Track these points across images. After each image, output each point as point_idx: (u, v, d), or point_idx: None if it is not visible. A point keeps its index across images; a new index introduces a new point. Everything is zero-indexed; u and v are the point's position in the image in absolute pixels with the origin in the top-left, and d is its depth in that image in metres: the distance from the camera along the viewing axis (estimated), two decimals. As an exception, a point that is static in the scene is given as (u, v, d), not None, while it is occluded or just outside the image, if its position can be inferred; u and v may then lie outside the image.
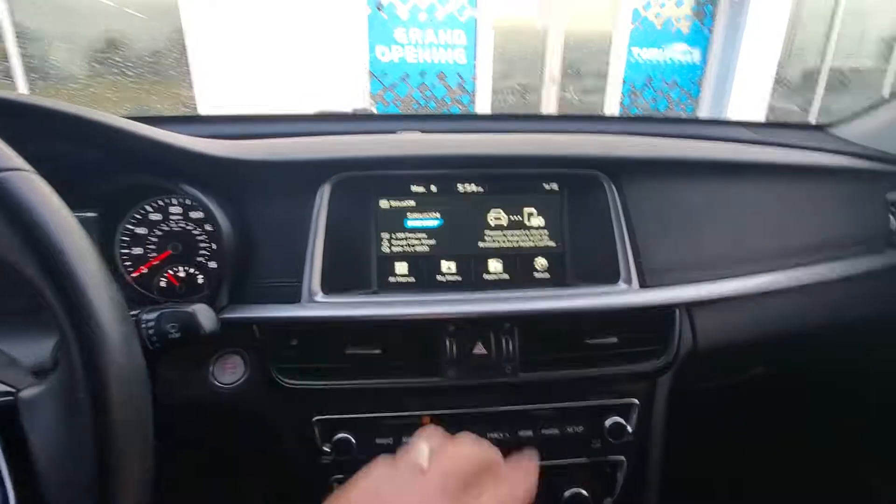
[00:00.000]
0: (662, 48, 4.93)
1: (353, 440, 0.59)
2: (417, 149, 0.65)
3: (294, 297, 0.60)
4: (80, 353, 0.28)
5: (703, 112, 5.19)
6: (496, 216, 0.66)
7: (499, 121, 0.95)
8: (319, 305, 0.59)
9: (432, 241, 0.65)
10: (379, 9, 4.15)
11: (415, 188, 0.65)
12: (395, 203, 0.65)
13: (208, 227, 0.60)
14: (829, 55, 5.33)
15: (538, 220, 0.66)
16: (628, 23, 4.78)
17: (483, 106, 4.90)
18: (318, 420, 0.60)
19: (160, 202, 0.60)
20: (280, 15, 3.56)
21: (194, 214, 0.61)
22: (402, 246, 0.64)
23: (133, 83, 3.63)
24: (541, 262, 0.65)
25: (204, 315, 0.46)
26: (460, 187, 0.66)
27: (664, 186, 0.66)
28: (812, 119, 5.40)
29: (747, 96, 4.93)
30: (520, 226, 0.66)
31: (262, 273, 0.60)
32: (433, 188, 0.65)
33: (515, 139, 0.67)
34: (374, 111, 1.44)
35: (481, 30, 4.59)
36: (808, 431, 0.99)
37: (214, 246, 0.60)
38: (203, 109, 3.53)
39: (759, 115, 5.00)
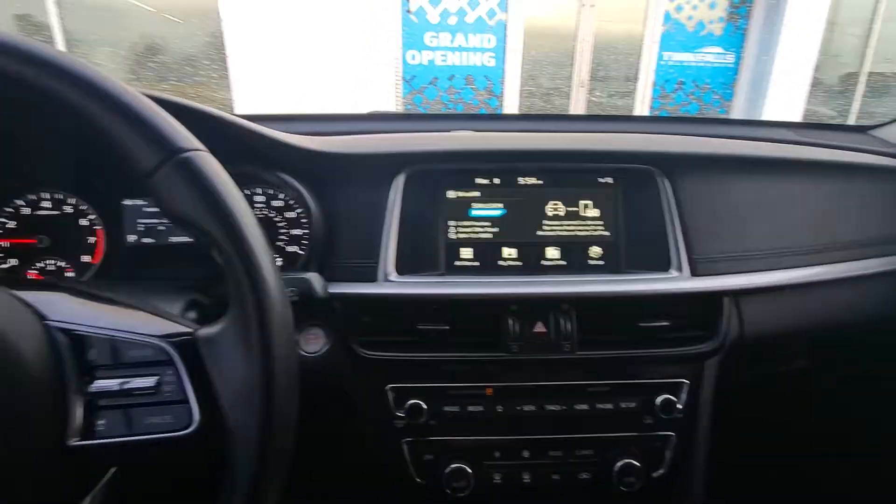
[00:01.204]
0: (694, 51, 4.88)
1: (424, 406, 0.65)
2: (482, 144, 0.71)
3: (371, 277, 0.66)
4: (253, 301, 0.35)
5: (737, 114, 5.10)
6: (554, 207, 0.71)
7: (545, 121, 1.00)
8: (393, 284, 0.66)
9: (495, 229, 0.70)
10: (409, 11, 4.23)
11: (479, 180, 0.71)
12: (461, 193, 0.71)
13: (289, 214, 0.67)
14: (868, 59, 5.19)
15: (593, 212, 0.71)
16: (659, 25, 4.75)
17: (510, 109, 4.94)
18: (391, 388, 0.67)
19: (259, 190, 0.67)
20: (315, 19, 3.67)
21: (275, 203, 0.68)
22: (467, 232, 0.70)
23: (171, 86, 3.79)
24: (595, 250, 0.70)
25: (317, 282, 0.53)
26: (521, 180, 0.71)
27: (714, 182, 0.71)
28: (850, 122, 5.26)
29: (783, 100, 4.83)
30: (576, 216, 0.71)
31: (343, 254, 0.67)
32: (496, 180, 0.71)
33: (571, 136, 0.73)
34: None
35: (510, 33, 4.63)
36: (850, 426, 1.01)
37: (298, 231, 0.67)
38: (240, 111, 3.67)
39: (796, 119, 4.90)
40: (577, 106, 4.96)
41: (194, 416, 0.35)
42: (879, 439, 0.98)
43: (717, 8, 4.82)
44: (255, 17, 3.59)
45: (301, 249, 0.67)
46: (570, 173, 0.71)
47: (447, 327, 0.66)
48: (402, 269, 0.67)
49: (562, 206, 0.71)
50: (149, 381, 0.35)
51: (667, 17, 4.78)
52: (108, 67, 3.71)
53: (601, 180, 0.72)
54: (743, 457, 0.91)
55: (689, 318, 0.69)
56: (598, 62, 4.90)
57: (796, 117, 4.92)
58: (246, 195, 0.67)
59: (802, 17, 4.64)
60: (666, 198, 0.69)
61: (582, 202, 0.71)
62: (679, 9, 4.77)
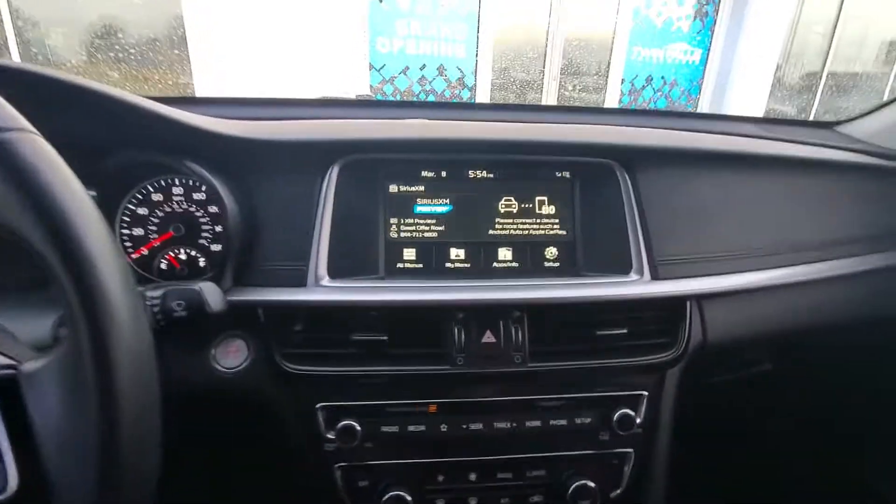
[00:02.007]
0: (663, 47, 4.92)
1: (358, 427, 0.58)
2: (428, 133, 0.64)
3: (300, 281, 0.58)
4: (87, 326, 0.27)
5: (703, 110, 5.19)
6: (507, 203, 0.65)
7: (505, 111, 0.93)
8: (325, 290, 0.58)
9: (441, 228, 0.63)
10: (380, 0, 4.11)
11: (425, 173, 0.64)
12: (404, 188, 0.63)
13: (212, 209, 0.59)
14: (829, 59, 5.35)
15: (549, 209, 0.65)
16: (629, 21, 4.77)
17: (483, 100, 4.88)
18: (321, 407, 0.59)
19: (162, 182, 0.58)
20: (280, 3, 3.51)
21: (197, 195, 0.59)
22: (410, 231, 0.63)
23: (130, 69, 3.57)
24: (551, 251, 0.64)
25: (211, 293, 0.45)
26: (471, 173, 0.65)
27: (677, 177, 0.66)
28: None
29: (746, 98, 4.95)
30: (530, 214, 0.65)
31: (268, 256, 0.59)
32: (443, 174, 0.64)
33: (527, 127, 0.66)
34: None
35: (483, 24, 4.56)
36: (814, 429, 0.99)
37: (219, 227, 0.58)
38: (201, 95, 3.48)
39: (757, 115, 5.00)
40: (550, 99, 4.95)
41: (10, 476, 0.27)
42: (842, 442, 0.96)
43: (686, 4, 4.87)
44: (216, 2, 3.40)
45: (205, 255, 0.59)
46: (524, 167, 0.65)
47: (385, 338, 0.59)
48: (335, 273, 0.59)
49: (515, 203, 0.65)
50: (-49, 433, 0.27)
51: (636, 12, 4.80)
52: (63, 48, 3.46)
53: (558, 175, 0.66)
54: (704, 469, 0.88)
55: (649, 324, 0.63)
56: (570, 56, 4.89)
57: (758, 114, 5.03)
58: (161, 186, 0.58)
59: (767, 17, 4.74)
60: (626, 195, 0.64)
61: (537, 198, 0.65)
62: (648, 4, 4.80)
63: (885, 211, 0.78)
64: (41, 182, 0.27)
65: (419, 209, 0.63)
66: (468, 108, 1.12)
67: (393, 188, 0.63)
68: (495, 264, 0.64)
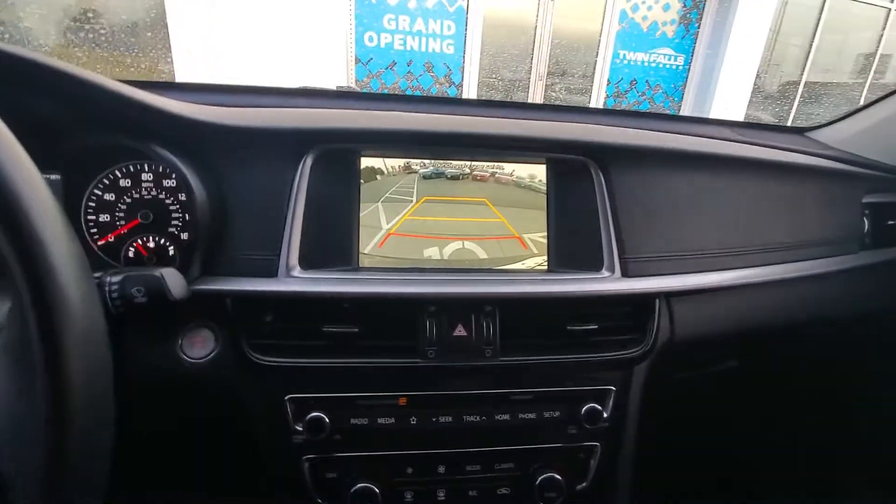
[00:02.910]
0: (648, 51, 4.99)
1: (327, 420, 0.58)
2: (403, 124, 0.64)
3: (270, 271, 0.57)
4: (34, 310, 0.26)
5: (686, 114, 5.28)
6: (480, 197, 0.65)
7: (484, 107, 0.93)
8: (296, 280, 0.57)
9: (414, 221, 0.63)
10: (367, -8, 4.08)
11: (399, 165, 0.63)
12: (377, 179, 0.63)
13: (182, 196, 0.58)
14: (807, 68, 5.49)
15: (522, 204, 0.65)
16: (615, 24, 4.82)
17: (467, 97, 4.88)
18: (290, 398, 0.59)
19: (131, 167, 0.57)
20: (265, -8, 3.46)
21: (167, 182, 0.58)
22: (382, 224, 0.63)
23: (107, 54, 3.47)
24: (524, 246, 0.65)
25: (172, 280, 0.44)
26: (443, 167, 0.64)
27: (651, 176, 0.66)
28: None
29: (727, 104, 5.05)
30: (504, 208, 0.65)
31: (238, 245, 0.58)
32: (417, 166, 0.64)
33: (503, 122, 0.66)
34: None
35: (471, 21, 4.56)
36: (778, 425, 1.02)
37: (188, 215, 0.57)
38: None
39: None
40: (536, 99, 4.98)
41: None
42: (807, 438, 0.99)
43: (671, 10, 4.94)
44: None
45: (174, 243, 0.58)
46: (498, 161, 0.65)
47: (356, 330, 0.58)
48: (306, 264, 0.59)
49: (489, 197, 0.65)
50: None
51: (623, 15, 4.85)
52: (39, 31, 3.35)
53: (532, 171, 0.66)
54: (669, 463, 0.90)
55: (619, 320, 0.64)
56: (557, 57, 4.93)
57: (738, 119, 5.12)
58: (130, 171, 0.57)
59: (749, 25, 4.84)
60: (599, 192, 0.65)
61: (511, 193, 0.65)
62: (635, 8, 4.85)
63: (849, 215, 0.81)
64: None
65: (391, 201, 0.63)
66: (446, 103, 1.12)
67: (366, 179, 0.63)
68: (468, 258, 0.64)
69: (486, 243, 0.64)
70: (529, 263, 0.65)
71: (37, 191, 0.27)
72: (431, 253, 0.64)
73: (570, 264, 0.64)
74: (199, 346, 0.57)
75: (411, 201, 0.64)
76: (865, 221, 0.82)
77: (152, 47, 3.55)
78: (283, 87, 0.91)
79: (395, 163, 0.64)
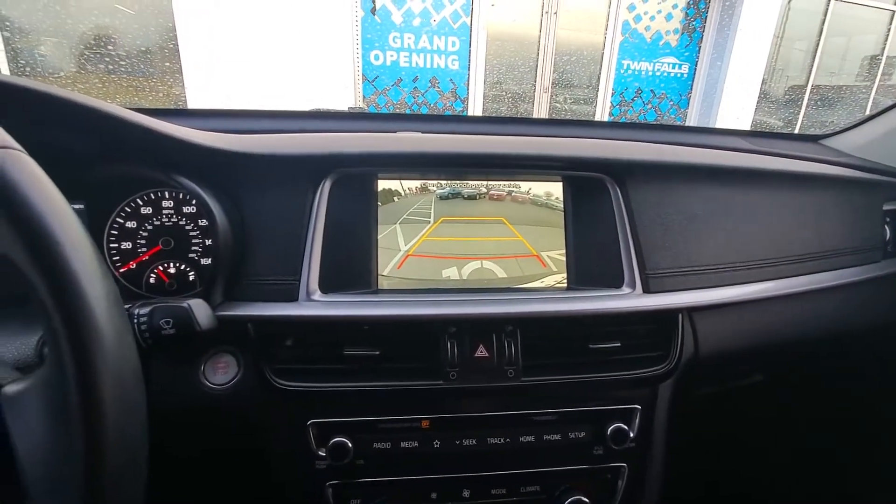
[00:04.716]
0: (652, 61, 5.01)
1: (350, 444, 0.57)
2: (420, 147, 0.64)
3: (291, 296, 0.58)
4: (70, 348, 0.26)
5: (692, 122, 5.28)
6: (499, 216, 0.65)
7: (497, 124, 0.94)
8: (317, 304, 0.57)
9: (434, 242, 0.63)
10: (373, 12, 4.15)
11: (416, 187, 0.64)
12: (396, 202, 0.63)
13: (202, 222, 0.58)
14: (813, 72, 5.47)
15: (541, 222, 0.65)
16: (618, 35, 4.86)
17: (475, 112, 4.93)
18: (312, 423, 0.58)
19: (151, 195, 0.58)
20: (274, 15, 3.53)
21: (187, 209, 0.59)
22: (401, 246, 0.63)
23: (121, 79, 3.56)
24: (543, 264, 0.64)
25: (200, 310, 0.44)
26: (461, 187, 0.65)
27: (667, 191, 0.66)
28: (796, 132, 5.55)
29: (734, 110, 5.04)
30: (523, 226, 0.65)
31: (258, 270, 0.58)
32: (435, 188, 0.64)
33: (519, 140, 0.66)
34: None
35: (475, 37, 4.62)
36: (807, 440, 0.99)
37: (209, 241, 0.58)
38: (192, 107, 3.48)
39: (745, 128, 5.11)
40: (541, 110, 5.01)
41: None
42: (836, 453, 0.97)
43: (674, 20, 4.97)
44: (210, 10, 3.41)
45: (195, 269, 0.58)
46: (516, 180, 0.65)
47: (378, 352, 0.58)
48: (326, 287, 0.59)
49: (507, 216, 0.65)
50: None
51: (625, 26, 4.89)
52: (54, 57, 3.45)
53: (550, 188, 0.66)
54: (697, 482, 0.88)
55: (642, 338, 0.64)
56: (561, 69, 4.96)
57: (746, 127, 5.12)
58: (151, 199, 0.58)
59: (752, 32, 4.85)
60: (618, 208, 0.64)
61: (529, 211, 0.65)
62: (637, 19, 4.89)
63: (869, 223, 0.79)
64: (26, 200, 0.26)
65: (410, 224, 0.63)
66: (458, 121, 1.13)
67: (384, 202, 0.63)
68: (487, 277, 0.64)
69: (504, 262, 0.64)
70: (549, 281, 0.64)
71: (72, 230, 0.28)
72: (450, 273, 0.63)
73: (590, 281, 0.63)
74: (221, 372, 0.58)
75: (429, 222, 0.64)
76: (887, 229, 0.80)
77: (165, 72, 3.63)
78: (296, 110, 0.93)
79: (412, 184, 0.64)
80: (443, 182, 0.65)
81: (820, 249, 0.73)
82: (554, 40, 4.83)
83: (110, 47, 3.54)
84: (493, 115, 4.93)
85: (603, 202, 0.65)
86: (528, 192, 0.66)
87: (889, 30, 5.62)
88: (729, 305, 0.65)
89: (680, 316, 0.64)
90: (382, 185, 0.64)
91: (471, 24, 4.59)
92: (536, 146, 0.65)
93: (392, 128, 0.81)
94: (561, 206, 0.66)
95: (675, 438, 0.68)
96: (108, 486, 0.26)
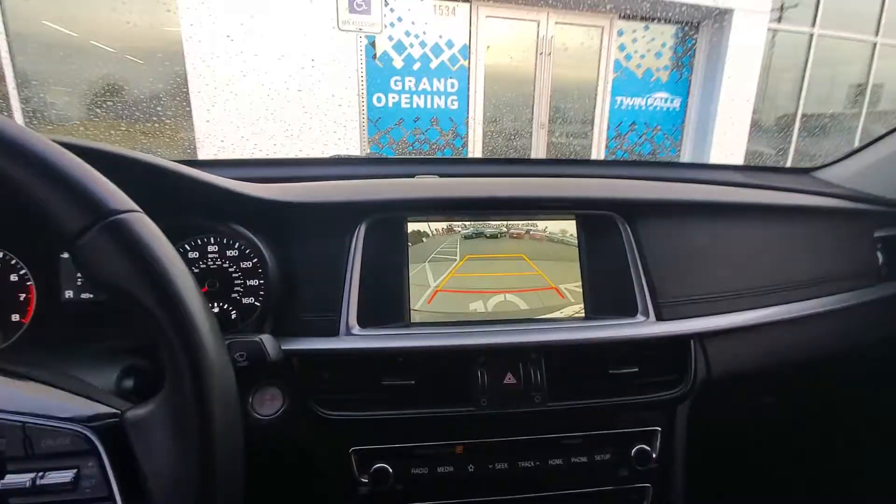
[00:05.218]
0: (644, 96, 5.21)
1: (390, 470, 0.61)
2: (447, 192, 0.70)
3: (332, 331, 0.62)
4: (191, 376, 0.31)
5: (686, 155, 5.43)
6: (519, 252, 0.70)
7: (508, 164, 1.01)
8: (356, 338, 0.62)
9: (460, 278, 0.69)
10: (374, 57, 4.36)
11: (443, 228, 0.70)
12: (424, 242, 0.69)
13: (245, 264, 0.64)
14: (801, 101, 5.67)
15: (558, 257, 0.71)
16: (611, 73, 5.07)
17: (475, 148, 5.08)
18: (355, 450, 0.62)
19: (198, 241, 0.64)
20: (279, 60, 3.70)
21: (230, 252, 0.64)
22: (431, 283, 0.68)
23: (132, 127, 3.70)
24: (563, 296, 0.70)
25: (270, 344, 0.49)
26: (484, 226, 0.71)
27: (673, 225, 0.72)
28: (788, 161, 5.69)
29: (727, 140, 5.18)
30: (542, 261, 0.70)
31: (302, 308, 0.63)
32: (460, 228, 0.70)
33: (535, 183, 0.73)
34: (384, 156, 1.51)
35: (473, 77, 4.81)
36: (818, 458, 1.01)
37: (252, 282, 0.63)
38: (203, 154, 3.61)
39: (739, 158, 5.25)
40: (539, 146, 5.16)
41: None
42: (849, 472, 0.98)
43: (663, 57, 5.20)
44: (219, 58, 3.59)
45: (258, 301, 0.63)
46: (533, 219, 0.71)
47: (413, 382, 0.63)
48: (364, 322, 0.64)
49: (526, 252, 0.70)
50: (66, 476, 0.31)
51: (617, 64, 5.10)
52: (63, 105, 3.61)
53: (565, 226, 0.72)
54: (716, 496, 0.90)
55: (657, 363, 0.68)
56: (556, 106, 5.15)
57: (739, 156, 5.27)
58: (198, 245, 0.64)
59: (739, 64, 5.06)
60: (628, 243, 0.70)
61: (547, 247, 0.71)
62: (628, 58, 5.11)
63: (863, 249, 0.85)
64: (154, 255, 0.32)
65: (438, 262, 0.69)
66: (470, 164, 1.21)
67: (414, 243, 0.69)
68: (511, 310, 0.69)
69: (526, 295, 0.69)
70: (568, 312, 0.69)
71: (188, 279, 0.33)
72: (477, 307, 0.69)
73: (606, 311, 0.68)
74: (268, 404, 0.62)
75: (455, 260, 0.70)
76: (879, 255, 0.86)
77: (174, 116, 3.77)
78: (318, 157, 1.00)
79: (439, 225, 0.70)
80: (467, 223, 0.71)
81: (818, 276, 0.79)
82: (549, 79, 5.03)
83: (120, 96, 3.69)
84: (494, 152, 5.07)
85: (614, 237, 0.70)
86: (544, 230, 0.72)
87: (872, 60, 5.86)
88: (736, 330, 0.70)
89: (692, 341, 0.68)
90: (412, 227, 0.70)
91: (468, 66, 4.80)
92: (550, 188, 0.71)
93: (409, 171, 0.88)
94: (575, 241, 0.72)
95: (695, 459, 0.71)
96: (218, 493, 0.31)
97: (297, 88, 3.74)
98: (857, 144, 1.00)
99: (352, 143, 4.09)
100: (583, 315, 0.69)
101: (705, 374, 0.69)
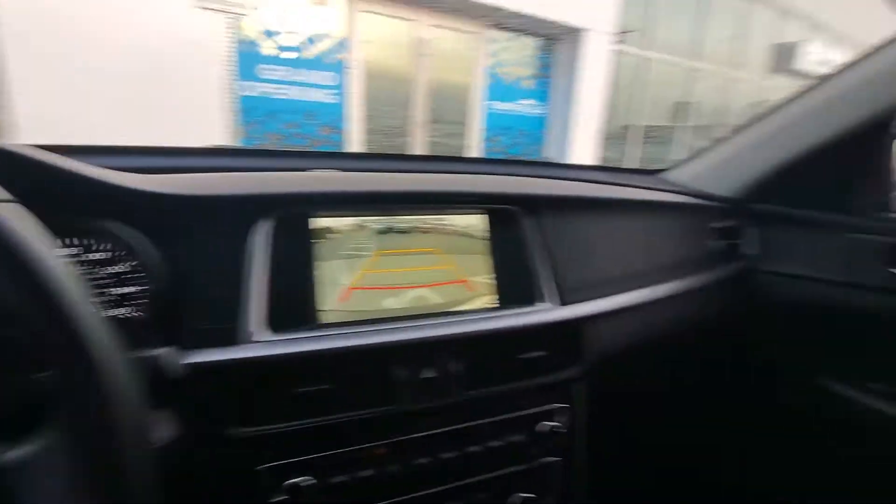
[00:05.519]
0: (514, 102, 5.62)
1: (308, 482, 0.57)
2: (354, 186, 0.68)
3: (234, 339, 0.56)
4: (91, 403, 0.25)
5: (549, 158, 5.99)
6: (429, 247, 0.71)
7: (407, 161, 1.01)
8: (262, 345, 0.57)
9: (368, 274, 0.67)
10: (245, 44, 4.02)
11: (352, 223, 0.67)
12: (333, 238, 0.66)
13: (124, 269, 0.54)
14: (637, 116, 6.66)
15: (467, 250, 0.73)
16: (485, 78, 5.37)
17: (354, 145, 4.98)
18: (267, 468, 0.57)
19: (67, 242, 0.53)
20: (130, 37, 3.21)
21: (106, 256, 0.54)
22: (342, 280, 0.65)
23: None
24: (473, 288, 0.72)
25: (170, 358, 0.42)
26: (394, 222, 0.70)
27: (569, 219, 0.79)
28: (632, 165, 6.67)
29: (582, 145, 5.85)
30: (451, 254, 0.72)
31: (198, 316, 0.56)
32: (368, 224, 0.68)
33: (444, 178, 0.74)
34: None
35: (351, 73, 4.71)
36: (696, 425, 1.20)
37: (137, 289, 0.54)
38: (27, 138, 2.96)
39: (592, 162, 5.98)
40: (418, 143, 5.25)
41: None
42: (717, 432, 1.18)
43: (529, 67, 5.66)
44: (47, 22, 2.97)
45: (136, 311, 0.54)
46: (443, 213, 0.72)
47: (328, 386, 0.59)
48: (269, 328, 0.58)
49: (436, 246, 0.71)
50: None
51: (490, 71, 5.42)
52: None
53: (473, 221, 0.74)
54: (621, 471, 1.01)
55: (560, 344, 0.74)
56: (434, 106, 5.28)
57: (592, 159, 5.98)
58: (67, 247, 0.52)
59: (591, 80, 5.73)
60: (532, 235, 0.75)
61: (456, 241, 0.72)
62: (499, 65, 5.46)
63: (705, 238, 1.02)
64: (29, 258, 0.25)
65: (348, 258, 0.66)
66: (368, 159, 1.18)
67: (321, 239, 0.65)
68: (425, 304, 0.69)
69: (440, 289, 0.70)
70: (480, 303, 0.72)
71: (73, 288, 0.27)
72: (391, 303, 0.67)
73: (515, 300, 0.72)
74: (163, 427, 0.53)
75: (368, 256, 0.67)
76: (715, 243, 1.04)
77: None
78: (194, 147, 0.89)
79: (348, 221, 0.67)
80: (377, 218, 0.69)
81: (677, 260, 0.93)
82: (427, 80, 5.14)
83: None
84: (371, 149, 5.03)
85: (520, 231, 0.75)
86: (455, 224, 0.73)
87: (692, 82, 7.12)
88: (624, 311, 0.80)
89: (589, 322, 0.76)
90: (319, 223, 0.66)
91: (346, 61, 4.68)
92: (461, 183, 0.73)
93: (304, 165, 0.82)
94: (484, 235, 0.74)
95: (599, 432, 0.79)
96: None
97: (154, 70, 3.27)
98: (678, 152, 1.20)
99: (218, 135, 3.71)
100: (494, 305, 0.72)
101: (600, 351, 0.77)
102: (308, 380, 0.59)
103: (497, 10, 4.93)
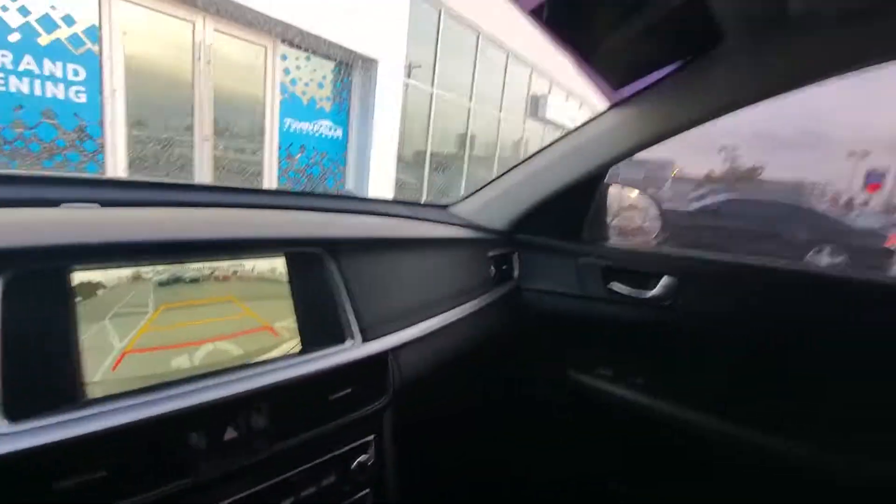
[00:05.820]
0: (311, 122, 5.53)
1: None
2: (124, 232, 0.59)
3: None
4: None
5: (350, 179, 6.08)
6: (223, 294, 0.66)
7: (214, 193, 0.89)
8: (4, 439, 0.45)
9: (150, 333, 0.59)
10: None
11: (121, 276, 0.58)
12: (98, 294, 0.56)
13: None
14: (429, 143, 7.31)
15: (268, 295, 0.70)
16: (278, 93, 5.15)
17: (117, 156, 4.20)
18: None
19: None
20: None
21: None
22: (113, 344, 0.56)
23: None
24: (274, 335, 0.69)
25: None
26: (181, 270, 0.63)
27: (368, 257, 0.84)
28: (424, 190, 7.23)
29: (380, 170, 6.12)
30: (250, 301, 0.68)
31: None
32: (145, 274, 0.60)
33: (239, 216, 0.70)
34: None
35: (108, 68, 3.98)
36: (501, 438, 1.36)
37: None
38: None
39: (390, 185, 6.30)
40: (203, 159, 4.72)
41: None
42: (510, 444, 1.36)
43: (325, 88, 5.66)
44: None
45: None
46: (238, 255, 0.68)
47: (105, 474, 0.50)
48: (12, 415, 0.46)
49: (232, 293, 0.67)
50: None
51: (283, 87, 5.23)
52: None
53: (273, 263, 0.72)
54: (433, 492, 1.09)
55: (366, 379, 0.77)
56: (221, 118, 4.84)
57: (390, 183, 6.31)
58: None
59: (386, 107, 6.06)
60: (333, 276, 0.77)
61: (254, 287, 0.69)
62: (294, 82, 5.32)
63: (484, 265, 1.21)
64: None
65: (120, 317, 0.57)
66: (138, 187, 1.00)
67: (86, 296, 0.55)
68: (221, 359, 0.64)
69: (238, 339, 0.66)
70: (284, 349, 0.69)
71: None
72: (180, 363, 0.60)
73: (319, 342, 0.73)
74: None
75: (147, 312, 0.59)
76: (492, 269, 1.24)
77: None
78: None
79: (121, 272, 0.58)
80: (158, 267, 0.61)
81: (463, 287, 1.07)
82: (211, 87, 4.68)
83: None
84: (138, 160, 4.31)
85: (321, 271, 0.76)
86: (252, 269, 0.70)
87: (469, 118, 8.14)
88: (421, 339, 0.88)
89: (389, 355, 0.81)
90: (80, 276, 0.55)
91: (100, 54, 3.94)
92: (255, 225, 0.70)
93: (48, 195, 0.66)
94: (285, 279, 0.73)
95: (409, 459, 0.85)
96: None
97: None
98: (463, 179, 1.41)
99: None
100: (297, 351, 0.71)
101: (401, 381, 0.84)
102: (73, 471, 0.49)
103: (288, 26, 4.82)
